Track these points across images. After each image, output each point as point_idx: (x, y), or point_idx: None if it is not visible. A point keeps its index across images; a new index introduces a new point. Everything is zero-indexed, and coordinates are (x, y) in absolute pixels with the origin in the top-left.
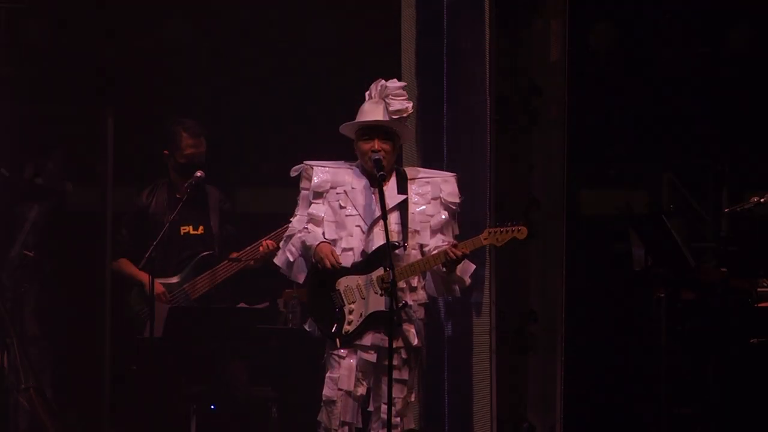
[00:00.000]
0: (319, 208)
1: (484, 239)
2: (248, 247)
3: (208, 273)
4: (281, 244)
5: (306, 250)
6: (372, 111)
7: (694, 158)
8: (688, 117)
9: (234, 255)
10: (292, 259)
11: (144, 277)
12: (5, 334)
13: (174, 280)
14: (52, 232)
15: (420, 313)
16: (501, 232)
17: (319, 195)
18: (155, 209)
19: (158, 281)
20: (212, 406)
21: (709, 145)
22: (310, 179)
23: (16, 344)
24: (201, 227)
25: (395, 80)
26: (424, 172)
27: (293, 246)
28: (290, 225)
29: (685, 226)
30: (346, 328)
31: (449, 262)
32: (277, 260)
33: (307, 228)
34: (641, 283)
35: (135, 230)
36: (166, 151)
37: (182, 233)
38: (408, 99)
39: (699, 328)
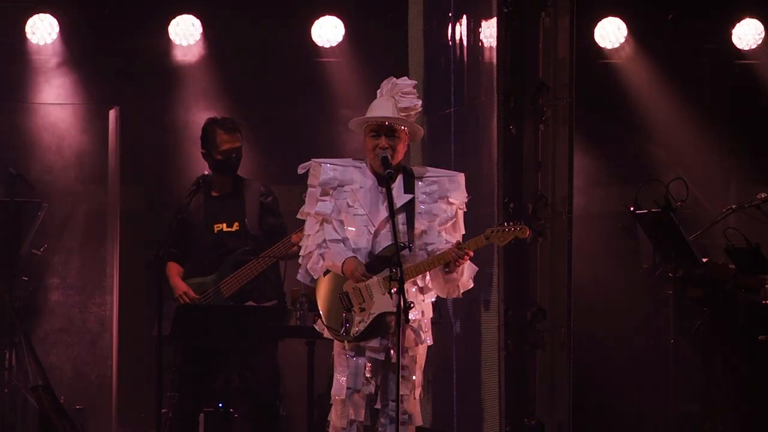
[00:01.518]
0: (326, 206)
1: (486, 238)
2: (278, 243)
3: (238, 271)
4: (301, 260)
5: (331, 268)
6: (381, 107)
7: (702, 155)
8: (695, 113)
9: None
10: (316, 276)
11: (174, 279)
12: (13, 333)
13: (209, 278)
14: (60, 231)
15: (428, 312)
16: (503, 231)
17: (326, 192)
18: (192, 208)
19: (191, 280)
20: (220, 404)
21: (716, 142)
22: (317, 176)
23: (24, 343)
24: (236, 224)
25: (406, 78)
26: (431, 171)
27: (316, 264)
28: (304, 236)
29: (693, 223)
30: (354, 329)
31: (452, 262)
32: (300, 277)
33: (326, 244)
34: (649, 280)
35: (175, 232)
36: (202, 151)
37: (216, 231)
38: (418, 97)
39: (707, 326)
